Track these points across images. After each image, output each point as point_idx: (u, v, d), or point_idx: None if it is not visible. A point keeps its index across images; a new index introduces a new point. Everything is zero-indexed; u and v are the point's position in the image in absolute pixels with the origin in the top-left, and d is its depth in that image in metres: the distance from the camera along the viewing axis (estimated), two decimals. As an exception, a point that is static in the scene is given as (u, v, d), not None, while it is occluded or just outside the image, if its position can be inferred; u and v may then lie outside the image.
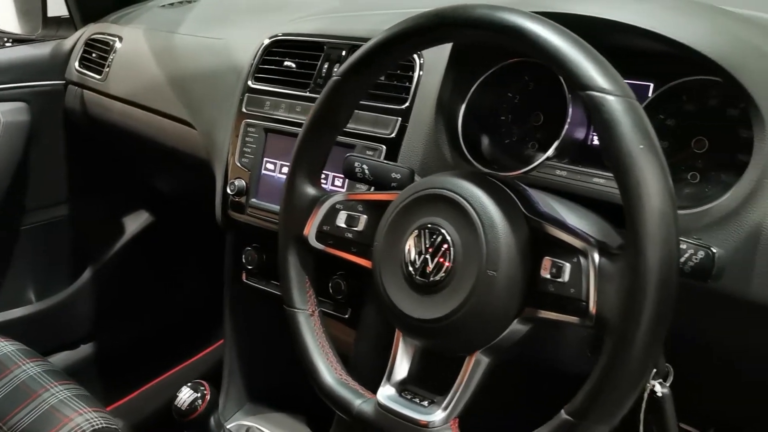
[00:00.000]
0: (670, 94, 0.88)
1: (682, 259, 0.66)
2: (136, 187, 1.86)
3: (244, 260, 1.26)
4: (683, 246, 0.66)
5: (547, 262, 0.68)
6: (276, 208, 1.14)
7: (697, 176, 0.86)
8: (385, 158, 1.05)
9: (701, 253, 0.65)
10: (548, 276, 0.67)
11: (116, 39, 1.57)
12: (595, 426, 0.62)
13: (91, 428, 1.09)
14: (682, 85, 0.87)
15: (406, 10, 0.89)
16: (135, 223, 1.85)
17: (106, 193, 1.81)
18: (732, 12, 0.88)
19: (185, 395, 1.04)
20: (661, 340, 0.61)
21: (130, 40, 1.55)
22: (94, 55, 1.61)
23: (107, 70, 1.54)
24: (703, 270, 0.65)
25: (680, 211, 0.80)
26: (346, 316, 1.12)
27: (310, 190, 0.86)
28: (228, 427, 1.22)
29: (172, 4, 1.69)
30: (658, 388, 0.76)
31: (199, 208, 1.44)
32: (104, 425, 1.11)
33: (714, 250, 0.66)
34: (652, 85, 0.90)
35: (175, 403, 1.04)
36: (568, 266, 0.66)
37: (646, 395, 0.76)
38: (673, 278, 0.59)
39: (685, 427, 1.31)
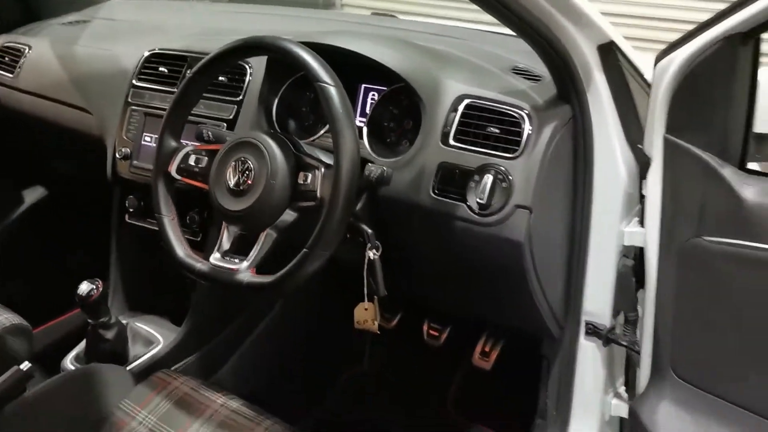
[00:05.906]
0: (394, 93, 1.49)
1: (372, 172, 1.26)
2: (36, 167, 2.30)
3: (127, 205, 1.76)
4: (373, 167, 1.26)
5: (302, 175, 1.25)
6: (150, 167, 1.65)
7: (407, 141, 1.48)
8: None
9: (379, 170, 1.26)
10: (302, 182, 1.25)
11: (26, 47, 2.03)
12: (319, 252, 1.19)
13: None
14: (399, 88, 1.48)
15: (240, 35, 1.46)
16: (31, 196, 2.29)
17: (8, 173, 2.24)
18: (417, 45, 1.51)
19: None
20: (350, 211, 1.20)
21: (39, 48, 2.02)
22: (6, 59, 2.07)
23: (19, 70, 2.01)
24: (381, 179, 1.26)
25: (389, 159, 1.42)
26: (198, 239, 1.66)
27: (173, 143, 1.40)
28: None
29: (70, 23, 2.17)
30: (371, 255, 1.34)
31: (89, 184, 1.92)
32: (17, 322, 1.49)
33: (386, 169, 1.27)
34: (386, 88, 1.51)
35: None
36: (310, 175, 1.24)
37: (366, 261, 1.34)
38: (354, 180, 1.18)
39: (433, 325, 1.93)
